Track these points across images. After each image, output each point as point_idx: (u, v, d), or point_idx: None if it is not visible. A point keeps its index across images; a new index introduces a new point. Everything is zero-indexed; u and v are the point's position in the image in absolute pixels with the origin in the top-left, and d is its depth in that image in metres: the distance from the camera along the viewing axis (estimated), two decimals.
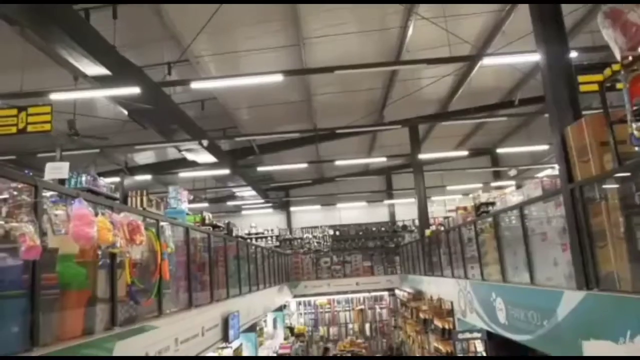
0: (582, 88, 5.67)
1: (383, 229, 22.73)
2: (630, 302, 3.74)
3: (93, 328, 3.53)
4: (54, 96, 7.70)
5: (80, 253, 3.44)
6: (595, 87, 5.36)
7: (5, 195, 2.84)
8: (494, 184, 19.81)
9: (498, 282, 7.21)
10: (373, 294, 20.62)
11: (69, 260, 3.35)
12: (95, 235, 3.24)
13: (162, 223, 4.88)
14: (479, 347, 9.79)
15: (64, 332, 3.20)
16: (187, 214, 7.69)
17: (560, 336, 5.05)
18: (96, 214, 3.43)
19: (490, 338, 10.30)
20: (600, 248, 4.35)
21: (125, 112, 9.36)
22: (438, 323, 11.22)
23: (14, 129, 7.12)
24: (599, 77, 5.02)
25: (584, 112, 5.12)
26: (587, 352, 4.53)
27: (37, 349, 2.74)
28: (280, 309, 16.15)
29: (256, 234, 22.19)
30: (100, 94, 8.30)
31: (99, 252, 3.67)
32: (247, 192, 18.70)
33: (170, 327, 4.80)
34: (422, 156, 15.26)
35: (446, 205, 20.84)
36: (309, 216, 23.30)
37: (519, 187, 7.41)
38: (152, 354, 4.32)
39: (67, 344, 3.08)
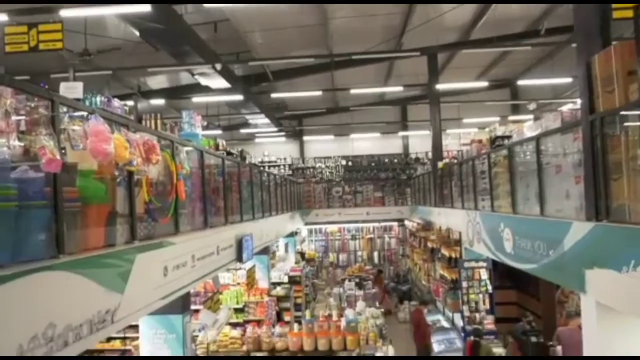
0: (616, 14, 5.35)
1: (396, 160, 22.73)
2: (638, 233, 3.78)
3: (114, 241, 3.71)
4: (64, 13, 7.50)
5: (99, 170, 3.52)
6: (629, 12, 5.05)
7: (22, 112, 2.88)
8: (511, 118, 19.40)
9: (508, 213, 7.30)
10: (383, 224, 21.11)
11: (89, 176, 3.44)
12: (112, 152, 3.30)
13: (176, 145, 4.94)
14: (484, 275, 10.13)
15: (87, 244, 3.37)
16: (201, 138, 7.74)
17: (564, 265, 5.18)
18: (112, 132, 3.47)
19: (495, 269, 10.64)
20: (614, 180, 4.33)
21: (137, 33, 9.13)
22: (445, 252, 11.54)
23: (25, 47, 7.03)
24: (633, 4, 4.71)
25: (614, 43, 4.87)
26: (589, 281, 4.67)
27: (63, 257, 2.90)
28: (292, 235, 16.66)
29: (269, 162, 22.40)
30: (110, 10, 8.06)
31: (117, 172, 3.78)
32: (260, 120, 18.63)
33: (186, 244, 5.01)
34: (440, 86, 14.85)
35: (461, 138, 20.56)
36: (322, 146, 23.32)
37: (537, 119, 7.25)
38: (170, 268, 4.55)
39: (90, 253, 3.25)
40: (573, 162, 5.32)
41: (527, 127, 7.29)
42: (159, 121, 7.71)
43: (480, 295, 10.13)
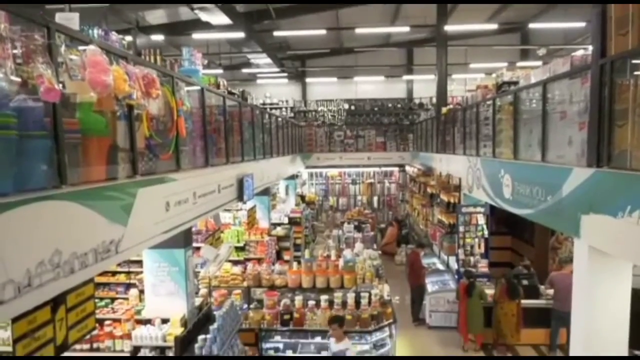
0: None
1: (399, 105, 22.43)
2: (637, 179, 3.79)
3: (116, 175, 3.73)
4: None
5: (98, 102, 3.48)
6: None
7: (19, 43, 2.80)
8: (520, 64, 18.92)
9: (509, 159, 7.30)
10: (383, 169, 21.19)
11: (88, 109, 3.40)
12: (111, 84, 3.25)
13: (176, 81, 4.85)
14: (481, 221, 10.31)
15: (89, 176, 3.39)
16: (202, 75, 7.58)
17: (561, 210, 5.25)
18: (111, 64, 3.40)
19: (492, 215, 10.80)
20: (619, 127, 4.29)
21: None
22: (444, 197, 11.66)
23: None
24: None
25: None
26: (584, 226, 4.75)
27: (65, 187, 2.93)
28: (293, 177, 16.77)
29: (270, 104, 22.12)
30: None
31: (116, 106, 3.73)
32: (262, 60, 18.18)
33: (188, 181, 5.05)
34: (449, 28, 14.36)
35: (467, 84, 20.21)
36: (325, 88, 22.94)
37: (545, 64, 7.04)
38: (172, 204, 4.61)
39: (93, 185, 3.28)
40: (579, 109, 5.24)
41: (535, 72, 7.12)
42: (158, 57, 7.52)
43: (476, 240, 10.37)
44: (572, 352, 5.36)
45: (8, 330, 5.35)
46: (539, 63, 17.19)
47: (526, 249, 12.53)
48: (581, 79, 5.10)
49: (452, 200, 11.09)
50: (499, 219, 12.69)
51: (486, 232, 10.33)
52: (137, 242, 3.80)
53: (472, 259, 10.28)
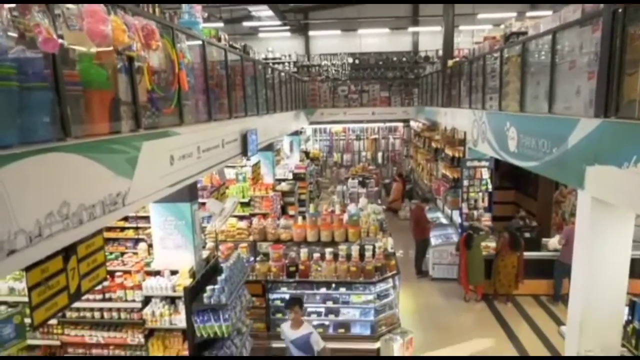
0: None
1: (404, 59, 21.93)
2: None
3: (119, 128, 3.72)
4: None
5: (98, 55, 3.42)
6: None
7: None
8: (529, 14, 18.28)
9: (515, 112, 7.21)
10: (388, 124, 21.02)
11: (88, 61, 3.36)
12: (109, 34, 3.18)
13: (177, 33, 4.74)
14: (485, 175, 10.32)
15: (92, 129, 3.38)
16: (202, 27, 7.40)
17: (566, 162, 5.24)
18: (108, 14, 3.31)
19: (497, 169, 10.79)
20: (629, 75, 4.20)
21: None
22: (449, 152, 11.63)
23: None
24: None
25: None
26: (589, 177, 4.74)
27: (70, 139, 2.93)
28: (297, 133, 16.69)
29: (273, 59, 21.69)
30: None
31: (117, 59, 3.67)
32: (264, 13, 17.66)
33: (192, 135, 5.04)
34: None
35: (474, 36, 19.66)
36: (328, 42, 22.39)
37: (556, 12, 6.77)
38: (176, 157, 4.63)
39: (97, 137, 3.28)
40: (588, 58, 5.11)
41: (544, 21, 6.88)
42: (157, 9, 7.33)
43: (480, 194, 10.41)
44: (572, 302, 5.50)
45: (23, 282, 5.54)
46: (550, 12, 16.60)
47: (530, 203, 12.61)
48: (592, 27, 4.94)
49: (456, 155, 11.06)
50: (503, 174, 12.70)
51: (490, 187, 10.36)
52: (143, 195, 3.84)
53: (475, 212, 10.37)
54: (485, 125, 8.74)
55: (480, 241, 9.22)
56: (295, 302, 5.74)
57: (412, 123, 19.26)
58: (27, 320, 3.50)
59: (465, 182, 10.32)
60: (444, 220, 12.37)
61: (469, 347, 7.72)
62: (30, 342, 5.32)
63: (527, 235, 9.57)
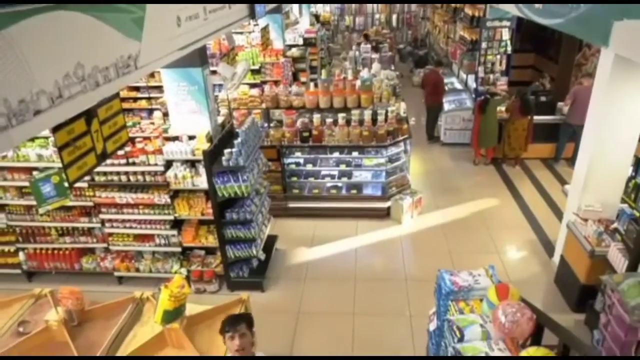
0: None
1: None
2: None
3: None
4: None
5: None
6: None
7: None
8: None
9: None
10: None
11: None
12: None
13: None
14: (505, 36, 9.83)
15: None
16: None
17: (593, 18, 4.92)
18: None
19: (518, 31, 10.20)
20: None
21: None
22: (468, 11, 10.95)
23: None
24: None
25: None
26: (615, 33, 4.50)
27: None
28: None
29: None
30: None
31: None
32: None
33: None
34: None
35: None
36: None
37: None
38: (183, 19, 4.45)
39: None
40: None
41: None
42: None
43: (498, 57, 10.06)
44: (579, 159, 5.64)
45: (49, 149, 5.80)
46: None
47: (549, 67, 12.19)
48: None
49: (477, 14, 10.42)
50: (524, 36, 12.08)
51: (509, 48, 9.94)
52: (154, 58, 3.80)
53: (491, 76, 10.11)
54: None
55: (495, 105, 9.14)
56: (241, 320, 3.09)
57: None
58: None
59: (484, 44, 9.89)
60: (458, 86, 12.14)
61: (475, 206, 8.17)
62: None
63: (542, 99, 9.44)
